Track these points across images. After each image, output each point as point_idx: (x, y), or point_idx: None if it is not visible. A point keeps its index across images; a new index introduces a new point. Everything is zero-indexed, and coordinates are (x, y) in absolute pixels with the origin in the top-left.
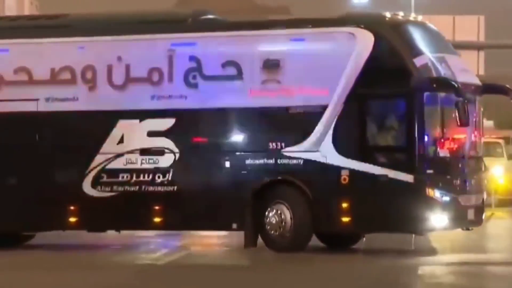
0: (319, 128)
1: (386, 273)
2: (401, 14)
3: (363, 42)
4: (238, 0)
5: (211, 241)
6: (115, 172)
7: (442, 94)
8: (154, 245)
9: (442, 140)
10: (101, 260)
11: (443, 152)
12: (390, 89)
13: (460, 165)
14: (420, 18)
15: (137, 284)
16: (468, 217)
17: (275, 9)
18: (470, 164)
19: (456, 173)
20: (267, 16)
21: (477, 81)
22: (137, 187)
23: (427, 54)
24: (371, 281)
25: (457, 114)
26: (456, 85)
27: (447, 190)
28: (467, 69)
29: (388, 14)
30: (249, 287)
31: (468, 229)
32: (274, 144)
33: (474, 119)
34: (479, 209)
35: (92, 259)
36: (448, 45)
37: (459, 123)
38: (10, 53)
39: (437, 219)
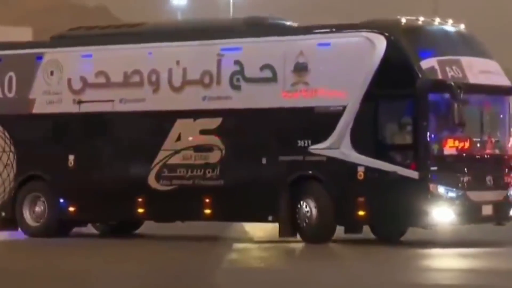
0: (339, 127)
1: None
2: (421, 19)
3: (377, 46)
4: None
5: None
6: (174, 167)
7: (447, 95)
8: None
9: (447, 139)
10: None
11: (448, 150)
12: (399, 90)
13: (470, 163)
14: (450, 22)
15: None
16: (484, 212)
17: (93, 10)
18: (487, 162)
19: (465, 170)
20: (86, 16)
21: (504, 82)
22: (191, 181)
23: (435, 57)
24: None
25: (452, 115)
26: (451, 87)
27: (453, 186)
28: (492, 71)
29: (404, 19)
30: None
31: (500, 224)
32: (301, 142)
33: (506, 118)
34: (502, 206)
35: None
36: (473, 47)
37: (453, 124)
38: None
39: (442, 214)
